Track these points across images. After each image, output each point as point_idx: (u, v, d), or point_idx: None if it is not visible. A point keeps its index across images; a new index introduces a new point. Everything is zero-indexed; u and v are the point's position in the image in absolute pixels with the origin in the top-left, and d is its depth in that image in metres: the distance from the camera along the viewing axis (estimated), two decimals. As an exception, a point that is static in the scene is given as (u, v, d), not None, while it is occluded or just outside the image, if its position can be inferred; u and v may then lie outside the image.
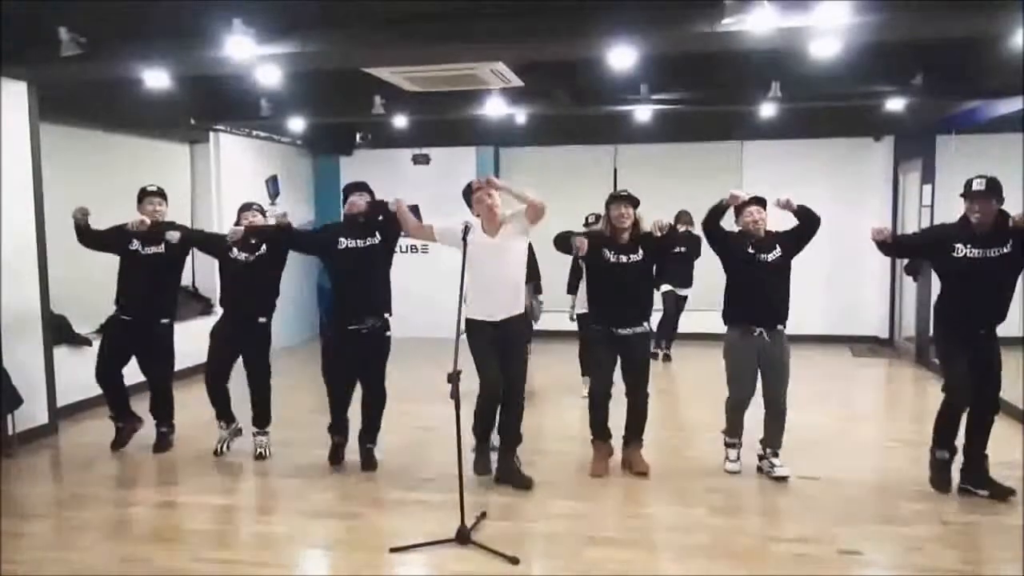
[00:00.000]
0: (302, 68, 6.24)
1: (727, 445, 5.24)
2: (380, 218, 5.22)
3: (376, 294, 5.25)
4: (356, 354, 5.24)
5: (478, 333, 4.83)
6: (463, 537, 4.02)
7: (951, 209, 8.92)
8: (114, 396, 5.78)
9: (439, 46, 5.24)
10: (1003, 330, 4.55)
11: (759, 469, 5.14)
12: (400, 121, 8.92)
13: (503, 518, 4.42)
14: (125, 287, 5.65)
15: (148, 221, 5.48)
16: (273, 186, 10.06)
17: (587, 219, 6.82)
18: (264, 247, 5.51)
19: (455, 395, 4.08)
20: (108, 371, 5.71)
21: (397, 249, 5.41)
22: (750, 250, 4.95)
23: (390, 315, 5.32)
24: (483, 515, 4.35)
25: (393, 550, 4.01)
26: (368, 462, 5.35)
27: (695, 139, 10.17)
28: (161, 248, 5.57)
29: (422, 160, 10.86)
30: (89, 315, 7.15)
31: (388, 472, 5.26)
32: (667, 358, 9.00)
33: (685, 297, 8.95)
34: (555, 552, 4.06)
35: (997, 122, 7.64)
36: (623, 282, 5.05)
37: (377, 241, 5.20)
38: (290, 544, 4.22)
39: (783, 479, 4.99)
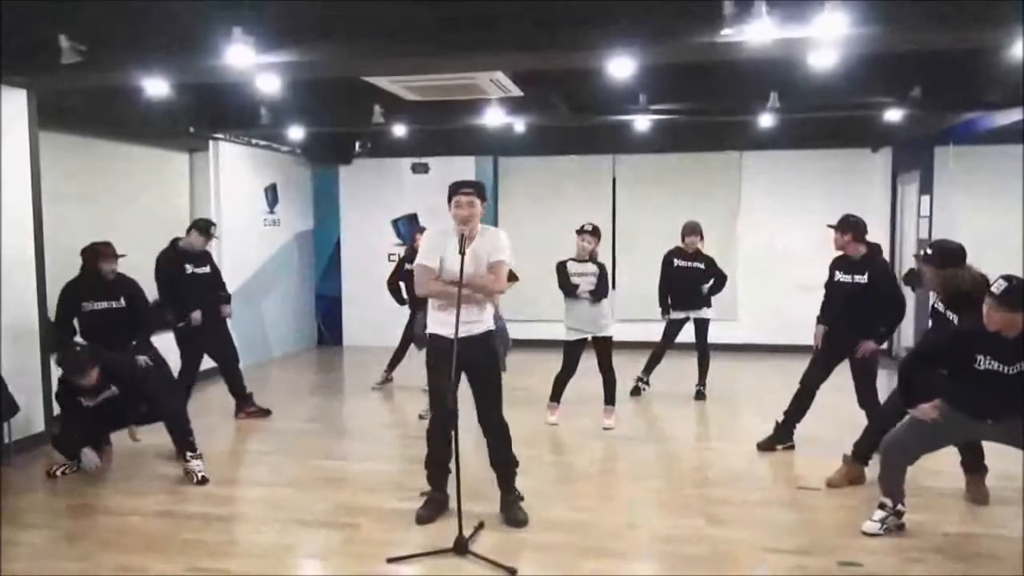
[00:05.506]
0: (302, 77, 6.26)
1: (880, 506, 4.35)
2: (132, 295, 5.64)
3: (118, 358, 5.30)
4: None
5: (436, 350, 4.33)
6: (461, 547, 4.00)
7: (949, 219, 9.02)
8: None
9: (438, 55, 5.25)
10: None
11: None
12: (399, 130, 8.94)
13: (501, 528, 4.40)
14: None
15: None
16: (272, 195, 10.08)
17: (583, 227, 6.69)
18: (113, 388, 5.14)
19: (453, 405, 4.07)
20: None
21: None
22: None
23: (148, 362, 5.48)
24: (481, 525, 4.33)
25: (390, 560, 3.99)
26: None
27: (694, 149, 10.19)
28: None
29: (421, 169, 10.87)
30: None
31: (385, 482, 5.24)
32: (636, 391, 7.72)
33: (705, 320, 7.57)
34: (553, 563, 4.03)
35: (995, 133, 7.67)
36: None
37: (123, 305, 5.38)
38: (287, 554, 4.20)
39: None
